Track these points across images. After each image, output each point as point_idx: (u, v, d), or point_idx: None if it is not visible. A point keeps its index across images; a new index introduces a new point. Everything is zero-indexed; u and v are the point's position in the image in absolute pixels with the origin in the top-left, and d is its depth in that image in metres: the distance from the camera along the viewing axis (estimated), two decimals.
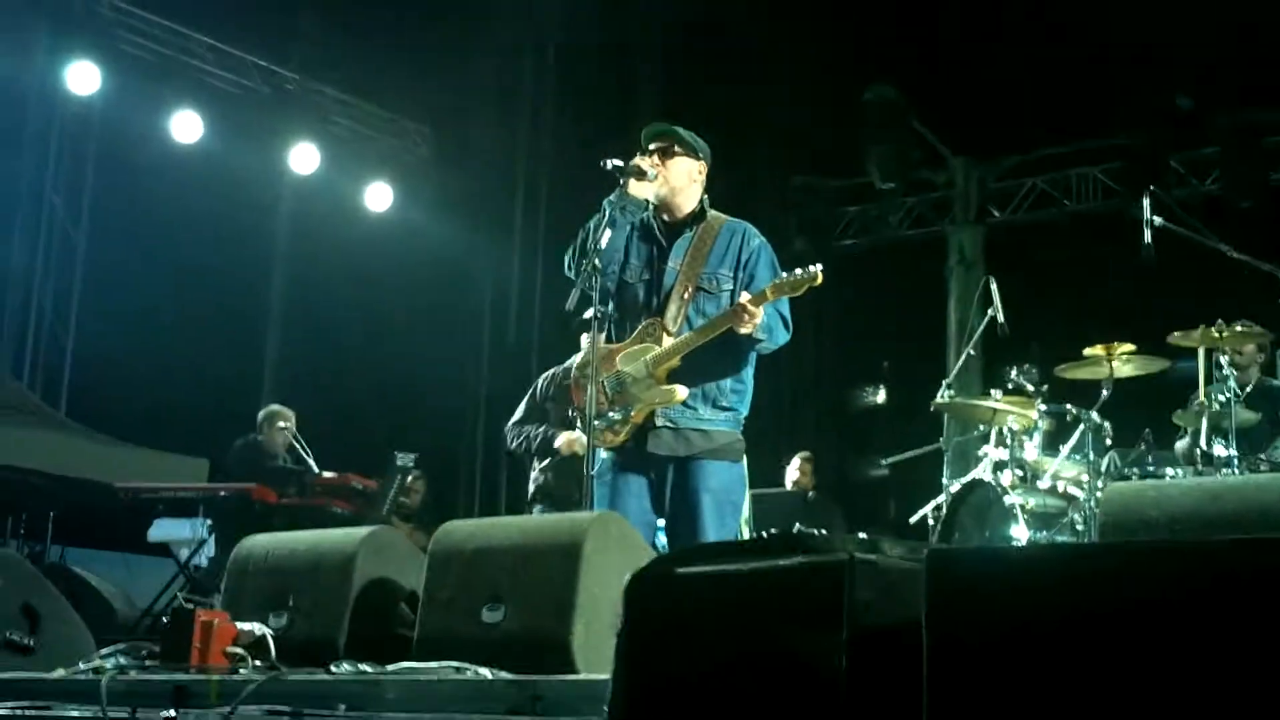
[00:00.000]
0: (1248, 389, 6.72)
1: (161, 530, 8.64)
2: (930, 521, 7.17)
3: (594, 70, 11.95)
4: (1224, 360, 6.28)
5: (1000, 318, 7.07)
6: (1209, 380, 6.27)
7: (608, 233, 4.45)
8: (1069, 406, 6.55)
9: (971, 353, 7.47)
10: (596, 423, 4.42)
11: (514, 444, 6.66)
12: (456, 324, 12.35)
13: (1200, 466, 6.04)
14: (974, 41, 10.47)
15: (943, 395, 7.20)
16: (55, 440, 9.80)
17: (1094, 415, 6.44)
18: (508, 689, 3.06)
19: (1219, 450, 6.01)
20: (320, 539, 4.16)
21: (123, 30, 10.86)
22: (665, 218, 4.70)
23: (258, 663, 3.62)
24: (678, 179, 4.65)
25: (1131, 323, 7.26)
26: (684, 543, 4.40)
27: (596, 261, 4.38)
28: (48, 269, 11.26)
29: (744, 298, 4.40)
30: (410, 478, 9.06)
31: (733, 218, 4.74)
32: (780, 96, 11.31)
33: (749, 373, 4.66)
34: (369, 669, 3.41)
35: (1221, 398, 6.13)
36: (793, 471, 9.64)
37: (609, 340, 4.66)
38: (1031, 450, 6.67)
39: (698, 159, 4.69)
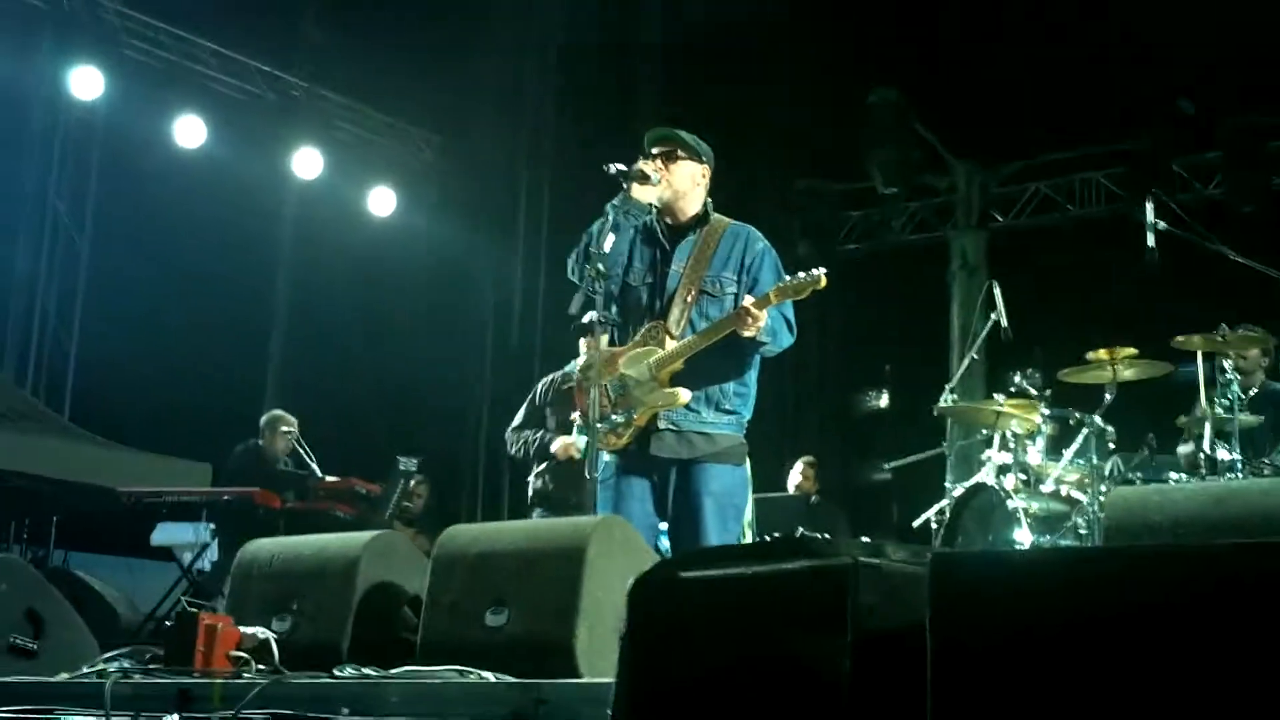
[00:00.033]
0: (1251, 393, 6.69)
1: (165, 534, 8.64)
2: (933, 526, 7.15)
3: (595, 72, 11.95)
4: (1227, 364, 6.25)
5: (1003, 322, 7.07)
6: (1212, 384, 6.25)
7: (611, 237, 4.44)
8: (1072, 411, 6.54)
9: (974, 357, 7.47)
10: (599, 425, 4.41)
11: (513, 449, 6.68)
12: (459, 327, 12.36)
13: (1204, 471, 6.03)
14: (976, 45, 10.47)
15: (946, 400, 7.20)
16: (58, 445, 9.81)
17: (1097, 419, 6.43)
18: (511, 692, 3.06)
19: (1223, 454, 5.99)
20: (324, 543, 4.15)
21: (127, 35, 10.87)
22: (668, 221, 4.71)
23: (261, 667, 3.62)
24: (681, 183, 4.65)
25: (1135, 327, 7.25)
26: (686, 545, 4.40)
27: (600, 265, 4.38)
28: (51, 274, 11.29)
29: (747, 300, 4.40)
30: (413, 482, 9.05)
31: (736, 221, 4.75)
32: (781, 97, 11.30)
33: (752, 376, 4.66)
34: (372, 672, 3.41)
35: (1225, 402, 6.12)
36: (796, 476, 9.63)
37: (612, 343, 4.65)
38: (1035, 454, 6.66)
39: (701, 162, 4.70)
